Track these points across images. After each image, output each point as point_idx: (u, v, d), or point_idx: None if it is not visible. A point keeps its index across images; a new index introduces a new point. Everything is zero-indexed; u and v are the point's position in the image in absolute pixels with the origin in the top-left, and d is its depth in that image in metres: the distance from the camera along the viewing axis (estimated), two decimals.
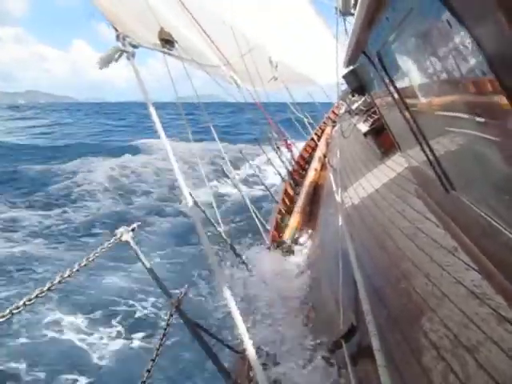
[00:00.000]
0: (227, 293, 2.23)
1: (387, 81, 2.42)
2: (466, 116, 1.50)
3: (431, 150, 2.29)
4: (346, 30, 8.21)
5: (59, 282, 1.96)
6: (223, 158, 6.52)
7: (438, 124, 1.97)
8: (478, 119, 1.41)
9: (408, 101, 2.31)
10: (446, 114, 1.78)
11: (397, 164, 5.65)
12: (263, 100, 10.53)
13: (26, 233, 13.57)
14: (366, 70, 3.03)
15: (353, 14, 3.63)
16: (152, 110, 2.71)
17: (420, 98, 2.09)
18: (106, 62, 2.88)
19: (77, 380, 6.77)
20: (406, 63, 2.03)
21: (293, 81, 13.23)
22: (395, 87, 2.36)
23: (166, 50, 5.27)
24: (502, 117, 1.17)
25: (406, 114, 2.40)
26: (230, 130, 39.07)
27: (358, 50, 2.65)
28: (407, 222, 3.78)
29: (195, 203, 3.09)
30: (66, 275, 2.01)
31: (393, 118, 3.27)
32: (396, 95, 2.42)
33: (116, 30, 3.10)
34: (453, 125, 1.74)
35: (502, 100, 1.08)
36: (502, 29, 0.84)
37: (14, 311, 1.72)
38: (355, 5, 2.88)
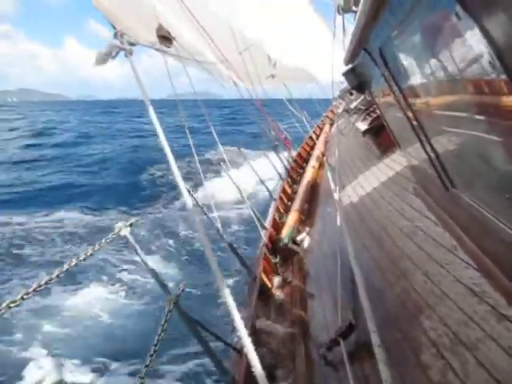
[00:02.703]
0: (225, 290, 2.22)
1: (389, 78, 2.41)
2: (468, 115, 1.49)
3: (432, 148, 2.28)
4: (343, 27, 8.20)
5: (57, 276, 1.95)
6: (222, 162, 6.50)
7: (440, 122, 1.96)
8: (480, 118, 1.40)
9: (410, 98, 2.30)
10: (448, 112, 1.77)
11: (395, 163, 5.66)
12: (261, 97, 10.54)
13: None
14: (366, 67, 3.02)
15: (353, 11, 3.62)
16: (150, 108, 2.69)
17: (422, 95, 2.08)
18: (103, 59, 2.87)
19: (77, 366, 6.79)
20: (409, 60, 2.02)
21: (291, 78, 13.22)
22: (397, 84, 2.35)
23: (163, 47, 5.25)
24: (506, 116, 1.16)
25: (408, 111, 2.39)
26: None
27: (359, 47, 2.64)
28: (406, 220, 3.78)
29: (194, 201, 3.07)
30: (64, 269, 2.00)
31: (393, 116, 3.26)
32: (398, 92, 2.41)
33: (114, 28, 3.08)
34: (455, 123, 1.74)
35: (508, 99, 1.07)
36: None
37: (11, 305, 1.71)
38: (356, 2, 2.87)
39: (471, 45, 1.13)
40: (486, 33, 0.99)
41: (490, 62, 1.05)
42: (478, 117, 1.42)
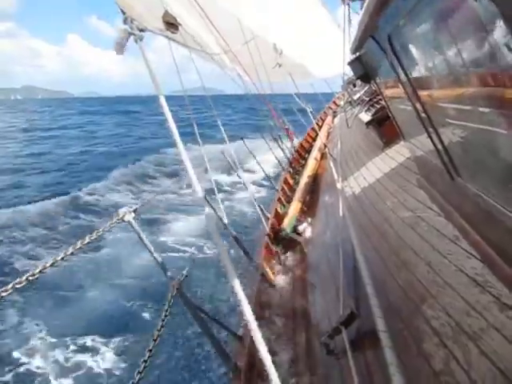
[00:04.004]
0: (234, 278, 2.23)
1: (397, 67, 2.39)
2: (478, 107, 1.48)
3: (439, 139, 2.27)
4: (349, 17, 8.13)
5: (62, 259, 1.97)
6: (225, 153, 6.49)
7: (449, 112, 1.95)
8: (490, 110, 1.39)
9: (418, 89, 2.28)
10: (457, 104, 1.76)
11: (399, 154, 5.65)
12: (265, 90, 10.46)
13: None
14: (373, 55, 2.99)
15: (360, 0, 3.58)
16: (161, 98, 2.65)
17: (432, 85, 2.06)
18: (120, 46, 2.88)
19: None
20: (419, 48, 2.00)
21: (296, 73, 13.14)
22: (406, 74, 2.33)
23: (170, 33, 5.21)
24: None
25: (416, 102, 2.38)
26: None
27: (366, 35, 2.61)
28: (409, 211, 3.79)
29: (204, 196, 3.05)
30: (69, 252, 2.01)
31: (400, 107, 3.24)
32: (406, 82, 2.39)
33: (123, 13, 3.07)
34: (463, 115, 1.73)
35: None
36: None
37: (17, 285, 1.73)
38: None
39: (489, 32, 1.07)
40: (504, 18, 0.94)
41: (507, 50, 1.01)
42: (487, 109, 1.41)
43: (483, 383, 1.70)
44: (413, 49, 2.08)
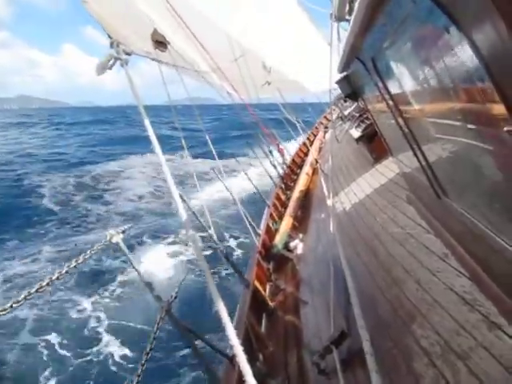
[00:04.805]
0: (217, 298, 2.21)
1: (381, 86, 2.43)
2: (459, 123, 1.51)
3: (424, 156, 2.30)
4: (338, 36, 8.23)
5: (47, 284, 1.94)
6: (215, 169, 6.49)
7: (431, 130, 1.98)
8: (471, 127, 1.41)
9: (401, 107, 2.32)
10: (439, 120, 1.78)
11: (388, 170, 5.69)
12: (254, 102, 10.53)
13: None
14: (359, 75, 3.04)
15: (347, 20, 3.63)
16: (144, 115, 2.68)
17: (414, 104, 2.10)
18: (102, 68, 2.92)
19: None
20: (400, 69, 2.04)
21: (286, 89, 13.26)
22: (389, 93, 2.36)
23: (158, 54, 5.26)
24: (496, 125, 1.17)
25: (400, 119, 2.41)
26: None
27: (352, 56, 2.66)
28: (398, 227, 3.80)
29: (187, 207, 3.07)
30: (54, 277, 1.98)
31: (386, 124, 3.28)
32: (390, 101, 2.43)
33: (110, 37, 3.11)
34: (446, 131, 1.75)
35: (496, 108, 1.08)
36: (501, 35, 0.84)
37: (1, 313, 1.69)
38: (350, 11, 2.89)
39: (460, 55, 1.16)
40: (473, 44, 1.02)
41: (477, 72, 1.08)
42: (467, 125, 1.43)
43: None
44: (395, 70, 2.11)
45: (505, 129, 1.09)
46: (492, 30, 0.88)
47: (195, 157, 22.35)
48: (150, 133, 2.58)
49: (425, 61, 1.55)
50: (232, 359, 3.26)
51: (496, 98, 1.05)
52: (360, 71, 2.82)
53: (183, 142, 5.63)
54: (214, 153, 6.14)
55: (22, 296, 1.78)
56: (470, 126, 1.42)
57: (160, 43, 5.44)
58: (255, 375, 1.94)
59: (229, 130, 43.91)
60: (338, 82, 3.80)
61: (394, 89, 2.32)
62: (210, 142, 6.26)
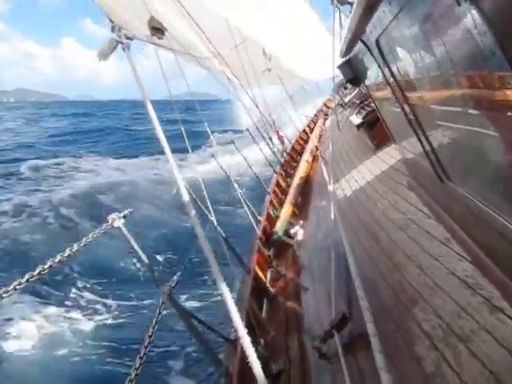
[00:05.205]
0: (222, 283, 2.22)
1: (385, 70, 2.40)
2: (466, 109, 1.49)
3: (428, 141, 2.28)
4: (340, 22, 8.17)
5: (50, 267, 1.93)
6: (215, 155, 6.47)
7: (437, 116, 1.96)
8: (477, 112, 1.40)
9: (406, 91, 2.29)
10: (445, 105, 1.76)
11: (389, 156, 5.67)
12: (255, 93, 10.47)
13: None
14: (362, 59, 3.01)
15: (349, 3, 3.59)
16: (148, 104, 2.70)
17: (419, 88, 2.07)
18: (104, 54, 2.89)
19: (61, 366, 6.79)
20: (406, 51, 2.01)
21: (287, 76, 13.17)
22: (394, 77, 2.33)
23: (157, 39, 5.20)
24: (504, 110, 1.15)
25: (404, 104, 2.39)
26: None
27: (355, 38, 2.62)
28: (399, 213, 3.80)
29: (189, 194, 3.07)
30: (56, 260, 1.98)
31: (389, 109, 3.26)
32: (394, 85, 2.40)
33: (111, 22, 3.08)
34: (451, 117, 1.73)
35: (507, 94, 1.06)
36: None
37: (4, 295, 1.69)
38: None
39: (472, 35, 1.08)
40: (488, 21, 0.95)
41: (491, 53, 1.01)
42: (474, 111, 1.42)
43: None
44: (400, 52, 2.08)
45: None
46: (508, 3, 0.84)
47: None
48: (152, 114, 2.59)
49: (432, 42, 1.52)
50: (234, 343, 3.28)
51: (505, 83, 1.01)
52: (363, 55, 2.79)
53: (184, 135, 5.62)
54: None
55: (25, 279, 1.78)
56: (475, 111, 1.40)
57: (157, 30, 5.38)
58: (257, 359, 1.96)
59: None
60: (339, 67, 3.76)
61: (398, 72, 2.29)
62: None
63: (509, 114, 1.15)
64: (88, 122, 55.26)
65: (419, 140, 2.41)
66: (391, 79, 2.39)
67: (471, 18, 1.03)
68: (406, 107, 2.37)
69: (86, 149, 31.01)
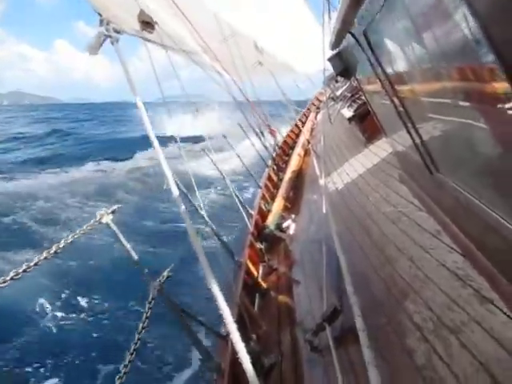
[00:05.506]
0: (211, 277, 2.21)
1: (374, 62, 2.38)
2: (456, 101, 1.47)
3: (418, 133, 2.27)
4: (329, 13, 8.14)
5: (35, 264, 1.91)
6: (206, 150, 6.43)
7: (426, 107, 1.95)
8: (466, 104, 1.39)
9: (396, 83, 2.28)
10: (434, 98, 1.75)
11: (381, 149, 5.68)
12: (246, 87, 10.41)
13: None
14: (352, 51, 2.98)
15: None
16: (138, 100, 2.68)
17: (408, 80, 2.06)
18: (94, 47, 2.87)
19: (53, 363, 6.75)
20: (394, 43, 1.99)
21: (278, 69, 13.10)
22: (383, 69, 2.32)
23: (146, 34, 5.14)
24: (494, 102, 1.14)
25: (394, 97, 2.37)
26: None
27: (344, 30, 2.59)
28: (391, 206, 3.80)
29: (179, 188, 3.05)
30: (42, 257, 1.96)
31: (379, 102, 3.24)
32: (383, 77, 2.38)
33: (100, 15, 3.05)
34: (441, 109, 1.72)
35: (499, 85, 1.04)
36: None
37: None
38: None
39: (460, 27, 1.08)
40: (475, 12, 0.93)
41: (479, 45, 1.00)
42: (463, 103, 1.40)
43: (464, 376, 1.71)
44: (388, 43, 2.07)
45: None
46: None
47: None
48: (143, 111, 2.57)
49: (420, 33, 1.50)
50: (226, 338, 3.27)
51: (494, 75, 1.00)
52: (353, 47, 2.76)
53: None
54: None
55: (9, 277, 1.75)
56: (465, 103, 1.39)
57: (147, 24, 5.31)
58: (249, 353, 1.95)
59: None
60: (329, 59, 3.73)
61: (387, 64, 2.27)
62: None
63: (498, 106, 1.14)
64: (47, 125, 51.83)
65: (409, 132, 2.40)
66: (380, 72, 2.38)
67: (459, 9, 1.02)
68: (396, 100, 2.36)
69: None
